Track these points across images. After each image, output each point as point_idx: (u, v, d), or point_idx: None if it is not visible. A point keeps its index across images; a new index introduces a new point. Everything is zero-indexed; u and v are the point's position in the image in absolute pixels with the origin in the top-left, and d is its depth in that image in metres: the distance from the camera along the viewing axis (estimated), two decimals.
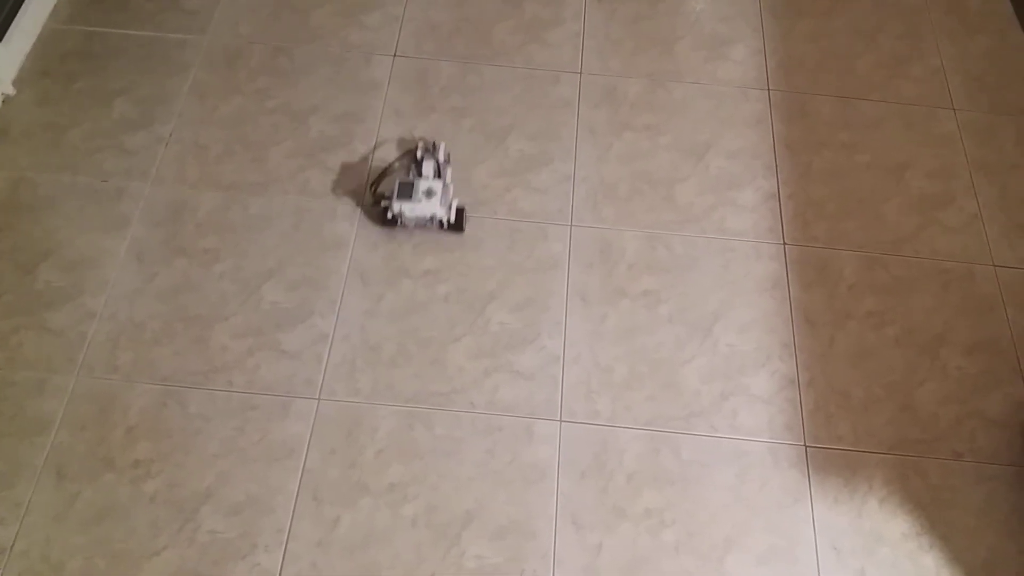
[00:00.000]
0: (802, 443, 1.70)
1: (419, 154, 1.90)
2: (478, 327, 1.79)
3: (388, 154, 2.00)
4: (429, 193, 1.83)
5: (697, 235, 1.93)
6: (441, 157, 1.91)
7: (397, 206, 1.82)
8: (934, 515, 1.64)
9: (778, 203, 1.99)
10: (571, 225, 1.93)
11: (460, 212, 1.87)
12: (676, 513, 1.61)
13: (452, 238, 1.89)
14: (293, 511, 1.57)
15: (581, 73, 2.18)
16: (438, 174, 1.89)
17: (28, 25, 2.11)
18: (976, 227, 1.98)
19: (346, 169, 1.93)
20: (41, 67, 2.09)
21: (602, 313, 1.82)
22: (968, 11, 2.37)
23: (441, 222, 1.85)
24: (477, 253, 1.88)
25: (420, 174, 1.88)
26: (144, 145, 1.98)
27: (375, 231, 1.89)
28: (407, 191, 1.83)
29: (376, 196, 1.90)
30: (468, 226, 1.91)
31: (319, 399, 1.69)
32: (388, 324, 1.78)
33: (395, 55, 2.18)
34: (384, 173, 1.95)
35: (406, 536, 1.56)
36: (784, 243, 1.93)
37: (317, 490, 1.59)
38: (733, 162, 2.05)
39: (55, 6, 2.20)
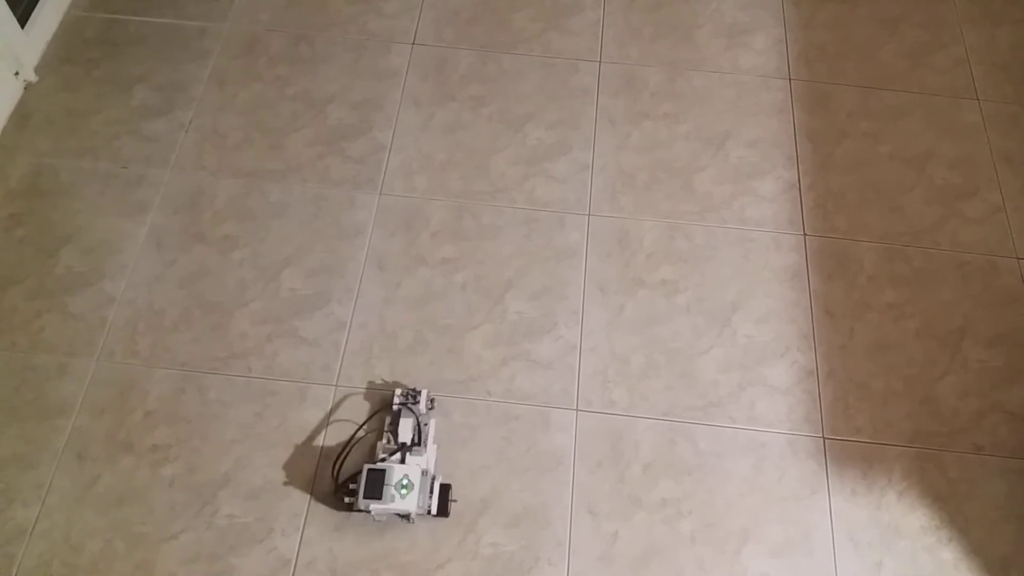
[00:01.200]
0: (820, 435, 1.69)
1: (395, 405, 1.60)
2: (496, 315, 1.78)
3: (356, 409, 1.67)
4: (404, 485, 1.48)
5: (716, 225, 1.92)
6: (423, 407, 1.60)
7: (364, 504, 1.47)
8: (953, 509, 1.62)
9: (798, 193, 1.97)
10: (589, 214, 1.93)
11: (445, 492, 1.54)
12: (692, 503, 1.60)
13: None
14: (310, 497, 1.58)
15: (600, 62, 2.17)
16: (418, 438, 1.56)
17: (50, 13, 2.12)
18: (999, 219, 1.96)
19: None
20: (63, 54, 2.11)
21: (620, 303, 1.81)
22: (992, 0, 2.34)
23: (420, 514, 1.53)
24: (495, 242, 1.88)
25: (396, 436, 1.56)
26: (164, 132, 1.99)
27: (393, 219, 1.89)
28: (376, 488, 1.47)
29: (339, 483, 1.55)
30: (486, 217, 1.90)
31: (336, 385, 1.69)
32: (406, 311, 1.78)
33: (414, 43, 2.18)
34: (349, 446, 1.60)
35: (423, 523, 1.56)
36: (804, 234, 1.92)
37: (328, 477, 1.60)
38: (753, 152, 2.03)
39: None
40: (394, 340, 1.75)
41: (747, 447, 1.66)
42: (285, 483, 1.59)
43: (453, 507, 1.57)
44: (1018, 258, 1.90)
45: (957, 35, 2.27)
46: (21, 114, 2.00)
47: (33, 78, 2.05)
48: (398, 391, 1.62)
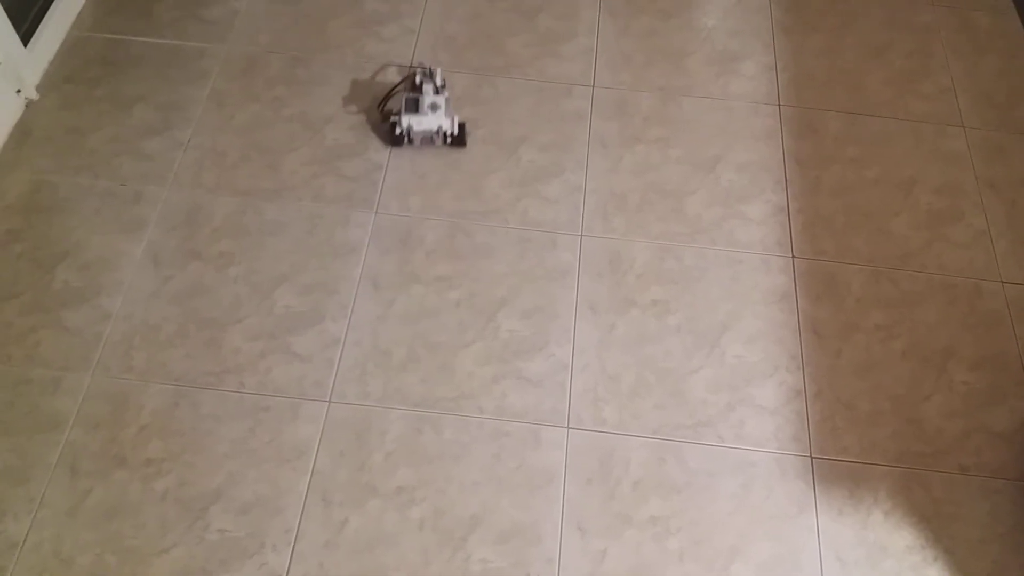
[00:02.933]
0: (808, 454, 1.70)
1: (418, 79, 2.07)
2: (488, 333, 1.81)
3: (389, 77, 2.18)
4: (434, 107, 1.99)
5: (706, 247, 1.95)
6: (439, 80, 2.06)
7: (406, 120, 1.98)
8: (938, 528, 1.64)
9: (787, 216, 2.01)
10: (581, 235, 1.95)
11: (462, 126, 2.03)
12: (681, 521, 1.62)
13: (466, 245, 1.91)
14: (302, 512, 1.59)
15: (593, 86, 2.21)
16: (438, 92, 2.04)
17: (53, 32, 2.15)
18: (984, 243, 1.99)
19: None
20: (64, 73, 2.14)
21: (611, 322, 1.84)
22: (978, 30, 2.40)
23: (445, 135, 2.01)
24: (488, 260, 1.90)
25: (422, 93, 2.04)
26: (162, 150, 2.02)
27: (388, 237, 1.92)
28: (413, 105, 2.00)
29: (384, 114, 2.06)
30: (480, 236, 1.93)
31: (330, 402, 1.71)
32: (399, 329, 1.80)
33: (411, 66, 2.21)
34: (390, 94, 2.09)
35: (413, 539, 1.57)
36: (793, 256, 1.95)
37: (326, 492, 1.61)
38: (743, 175, 2.07)
39: (79, 14, 2.25)
40: (387, 357, 1.76)
41: (736, 466, 1.68)
42: (277, 498, 1.60)
43: (443, 525, 1.58)
44: (1002, 282, 1.94)
45: (943, 64, 2.32)
46: (22, 131, 2.03)
47: (34, 96, 2.08)
48: (418, 70, 2.10)
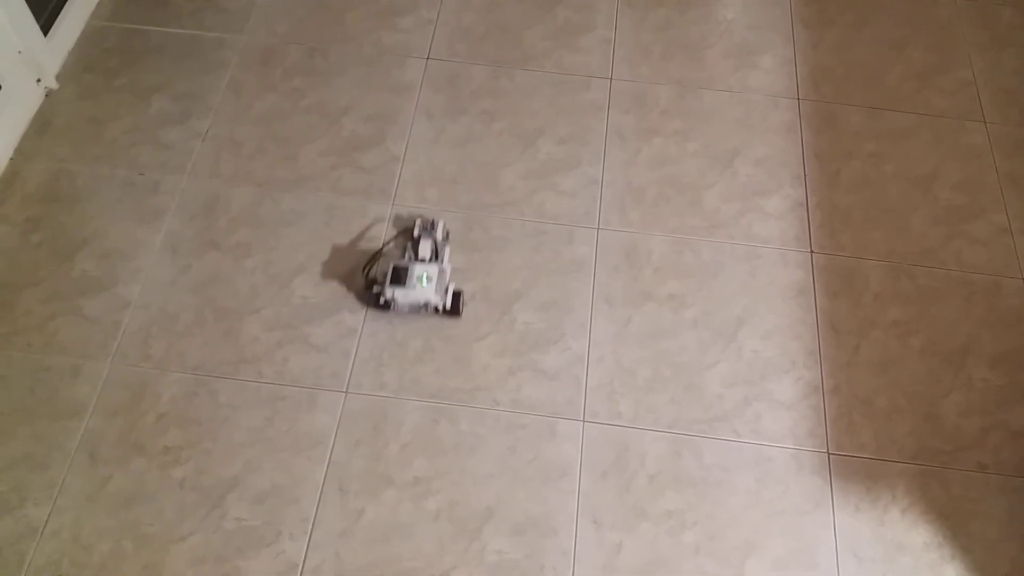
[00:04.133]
0: (825, 450, 1.70)
1: (416, 232, 1.82)
2: (503, 326, 1.81)
3: (383, 232, 1.92)
4: (424, 279, 1.74)
5: (724, 241, 1.94)
6: (439, 235, 1.82)
7: (390, 292, 1.73)
8: (956, 526, 1.63)
9: (806, 211, 2.00)
10: (598, 228, 1.95)
11: (457, 296, 1.78)
12: (697, 515, 1.61)
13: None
14: (318, 501, 1.60)
15: (611, 79, 2.20)
16: (436, 255, 1.79)
17: (72, 22, 2.16)
18: (1004, 240, 1.97)
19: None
20: (84, 63, 2.15)
21: (627, 315, 1.83)
22: (999, 24, 2.37)
23: (436, 308, 1.77)
24: (504, 253, 1.90)
25: (416, 255, 1.79)
26: (181, 140, 2.03)
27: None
28: (400, 276, 1.74)
29: (368, 280, 1.82)
30: (496, 229, 1.92)
31: (346, 392, 1.71)
32: (415, 321, 1.80)
33: (428, 57, 2.21)
34: (378, 254, 1.85)
35: (428, 529, 1.58)
36: (811, 251, 1.94)
37: (342, 481, 1.62)
38: (761, 169, 2.06)
39: (98, 4, 2.26)
40: (403, 348, 1.77)
41: (752, 461, 1.68)
42: (294, 487, 1.61)
43: (458, 516, 1.59)
44: (1023, 279, 1.92)
45: (964, 58, 2.30)
46: (41, 120, 2.04)
47: (54, 85, 2.09)
48: (418, 220, 1.84)
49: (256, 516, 1.58)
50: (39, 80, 2.05)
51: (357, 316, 1.80)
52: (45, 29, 2.06)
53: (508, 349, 1.78)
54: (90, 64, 2.15)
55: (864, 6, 2.39)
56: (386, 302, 1.77)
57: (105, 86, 2.11)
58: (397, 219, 1.92)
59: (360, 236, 1.90)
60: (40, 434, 1.63)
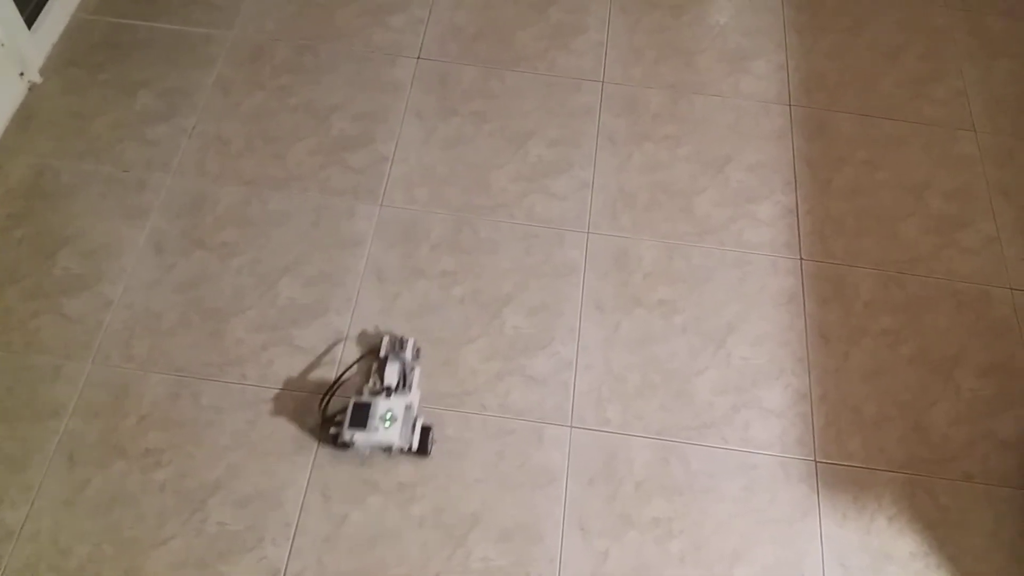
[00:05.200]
0: (812, 458, 1.69)
1: (383, 352, 1.67)
2: (492, 330, 1.79)
3: (348, 353, 1.74)
4: (388, 419, 1.55)
5: (714, 247, 1.93)
6: (408, 355, 1.66)
7: (349, 434, 1.55)
8: (943, 535, 1.63)
9: (796, 218, 1.99)
10: (588, 232, 1.94)
11: (425, 433, 1.60)
12: (684, 523, 1.60)
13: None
14: (301, 506, 1.57)
15: (603, 82, 2.19)
16: (404, 381, 1.63)
17: (57, 15, 2.13)
18: (994, 249, 1.97)
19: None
20: (68, 56, 2.11)
21: (616, 321, 1.82)
22: (991, 34, 2.37)
23: (402, 449, 1.59)
24: (494, 256, 1.88)
25: (382, 379, 1.62)
26: (167, 137, 2.00)
27: (393, 230, 1.90)
28: (361, 417, 1.55)
29: (325, 417, 1.63)
30: (485, 231, 1.91)
31: (330, 395, 1.69)
32: (403, 323, 1.78)
33: (419, 57, 2.19)
34: (336, 385, 1.65)
35: (413, 535, 1.56)
36: (801, 258, 1.93)
37: (325, 486, 1.59)
38: (752, 176, 2.05)
39: None
40: None
41: (739, 468, 1.67)
42: (276, 492, 1.58)
43: (444, 522, 1.57)
44: (1012, 289, 1.92)
45: (956, 67, 2.30)
46: (24, 115, 2.00)
47: (38, 79, 2.05)
48: (386, 338, 1.69)
49: (238, 521, 1.56)
50: (22, 74, 2.02)
51: (344, 318, 1.78)
52: (29, 22, 2.03)
53: (497, 353, 1.76)
54: (75, 58, 2.11)
55: (857, 13, 2.39)
56: (343, 444, 1.59)
57: (90, 81, 2.08)
58: (362, 336, 1.75)
59: (322, 356, 1.72)
60: (18, 435, 1.60)
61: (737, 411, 1.73)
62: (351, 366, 1.70)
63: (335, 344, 1.74)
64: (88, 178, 1.92)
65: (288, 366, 1.71)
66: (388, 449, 1.59)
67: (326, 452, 1.62)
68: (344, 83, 2.12)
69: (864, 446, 1.71)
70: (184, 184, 1.93)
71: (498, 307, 1.82)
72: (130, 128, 2.01)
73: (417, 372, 1.67)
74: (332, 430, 1.59)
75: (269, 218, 1.90)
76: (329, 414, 1.63)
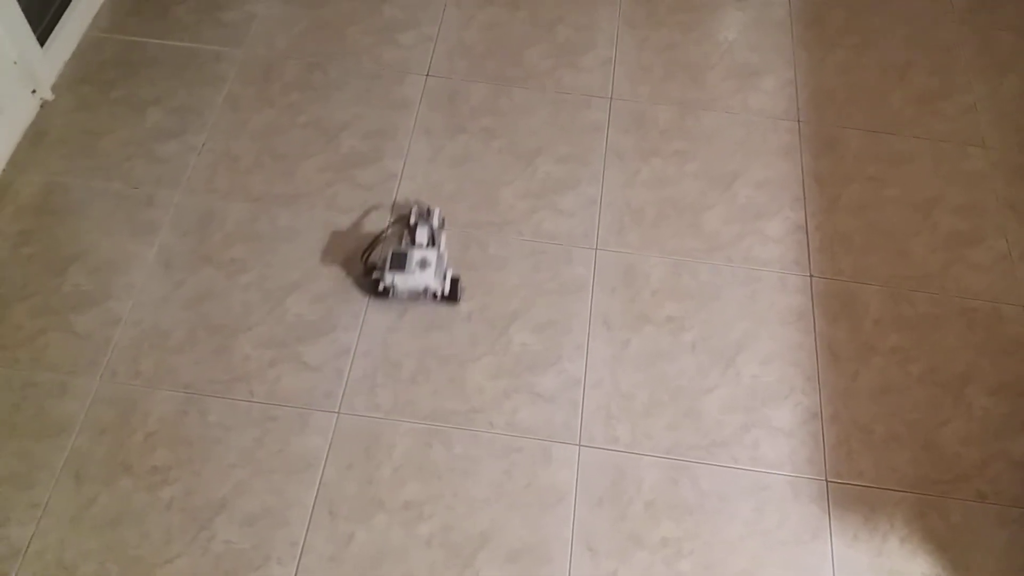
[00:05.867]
0: (823, 478, 1.68)
1: (413, 220, 1.84)
2: (500, 347, 1.78)
3: (381, 220, 1.93)
4: (423, 264, 1.75)
5: (723, 264, 1.92)
6: (436, 223, 1.84)
7: (389, 277, 1.74)
8: (955, 557, 1.61)
9: (805, 235, 1.98)
10: (596, 249, 1.93)
11: (455, 283, 1.79)
12: (693, 544, 1.59)
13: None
14: (308, 525, 1.57)
15: (611, 98, 2.19)
16: (432, 242, 1.81)
17: (69, 33, 2.14)
18: (1005, 266, 1.96)
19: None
20: (80, 74, 2.13)
21: (625, 338, 1.81)
22: (1001, 50, 2.37)
23: (435, 294, 1.78)
24: (501, 273, 1.88)
25: (413, 241, 1.81)
26: (176, 154, 2.01)
27: None
28: (400, 262, 1.75)
29: (367, 266, 1.82)
30: (493, 248, 1.91)
31: (339, 413, 1.69)
32: (409, 340, 1.78)
33: (427, 74, 2.20)
34: (376, 241, 1.86)
35: (420, 555, 1.55)
36: (810, 275, 1.92)
37: (333, 504, 1.59)
38: (761, 192, 2.04)
39: (96, 15, 2.24)
40: (397, 368, 1.74)
41: (749, 488, 1.65)
42: (283, 510, 1.58)
43: (451, 541, 1.56)
44: (1023, 306, 1.91)
45: (965, 83, 2.29)
46: (36, 131, 2.02)
47: (49, 96, 2.07)
48: (414, 207, 1.89)
49: (244, 539, 1.55)
50: (34, 91, 2.03)
51: (351, 335, 1.78)
52: (42, 39, 2.04)
53: (504, 371, 1.76)
54: (86, 75, 2.13)
55: (866, 30, 2.39)
56: (385, 289, 1.77)
57: (101, 98, 2.09)
58: (394, 207, 1.95)
59: (358, 223, 1.92)
60: (25, 452, 1.60)
61: (747, 430, 1.72)
62: (385, 229, 1.89)
63: (371, 211, 1.94)
64: (98, 195, 1.93)
65: (295, 383, 1.71)
66: (423, 293, 1.77)
67: (332, 470, 1.62)
68: (353, 100, 2.13)
69: (875, 465, 1.69)
70: (193, 201, 1.94)
71: (505, 324, 1.81)
72: (140, 145, 2.02)
73: (444, 237, 1.86)
74: (374, 275, 1.79)
75: (277, 235, 1.90)
76: (370, 265, 1.82)
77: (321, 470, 1.62)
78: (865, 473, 1.69)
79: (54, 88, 2.09)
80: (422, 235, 1.81)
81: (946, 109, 2.24)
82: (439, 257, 1.78)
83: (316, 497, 1.59)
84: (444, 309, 1.82)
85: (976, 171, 2.12)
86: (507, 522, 1.59)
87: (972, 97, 2.26)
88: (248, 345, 1.75)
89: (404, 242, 1.84)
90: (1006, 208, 2.06)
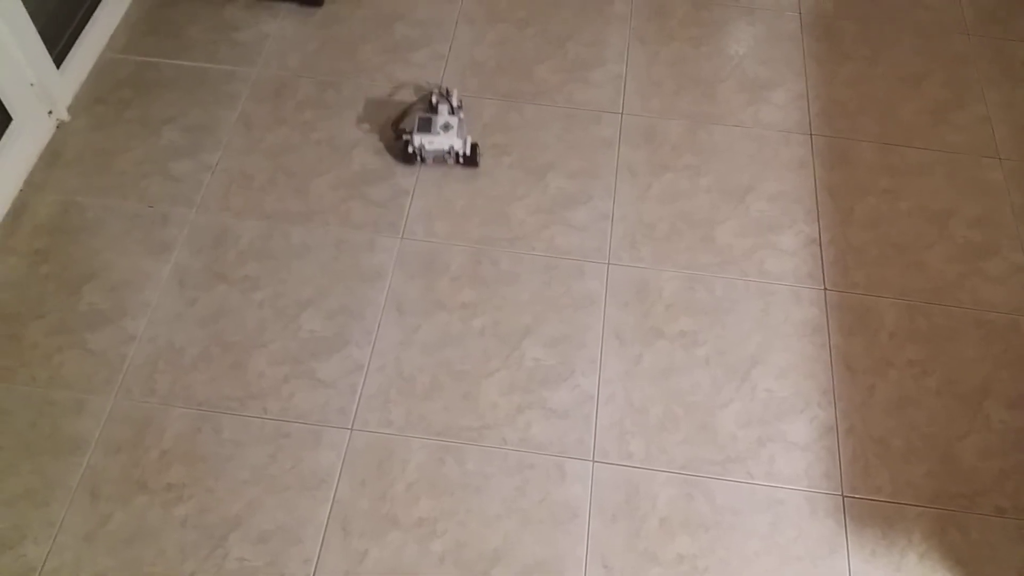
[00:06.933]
0: (840, 493, 1.66)
1: (434, 100, 2.06)
2: (512, 362, 1.78)
3: (406, 97, 2.18)
4: (446, 127, 1.99)
5: (736, 277, 1.92)
6: (455, 101, 2.05)
7: (418, 139, 1.98)
8: (974, 573, 1.59)
9: (819, 248, 1.97)
10: (608, 263, 1.93)
11: (474, 147, 2.02)
12: (709, 560, 1.58)
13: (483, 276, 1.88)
14: (322, 542, 1.57)
15: (622, 113, 2.19)
16: (452, 112, 2.04)
17: (85, 54, 2.17)
18: (1021, 278, 1.94)
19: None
20: (96, 95, 2.15)
21: (638, 353, 1.81)
22: (1014, 60, 2.36)
23: (458, 155, 2.01)
24: (513, 288, 1.88)
25: (436, 113, 2.04)
26: (191, 172, 2.03)
27: (413, 263, 1.91)
28: (426, 125, 2.00)
29: (398, 131, 2.08)
30: (505, 263, 1.91)
31: (352, 429, 1.69)
32: (423, 356, 1.78)
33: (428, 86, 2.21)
34: (404, 112, 2.12)
35: (433, 572, 1.54)
36: (825, 288, 1.91)
37: (346, 521, 1.59)
38: (774, 205, 2.04)
39: (111, 36, 2.27)
40: (411, 384, 1.74)
41: (765, 504, 1.64)
42: (297, 527, 1.58)
43: (465, 558, 1.55)
44: None
45: (979, 94, 2.28)
46: (52, 152, 2.04)
47: (66, 117, 2.09)
48: (435, 89, 2.13)
49: (259, 556, 1.55)
50: (51, 112, 2.06)
51: (364, 351, 1.78)
52: (58, 61, 2.07)
53: (517, 386, 1.75)
54: (102, 96, 2.15)
55: (877, 42, 2.39)
56: (414, 152, 2.01)
57: (116, 118, 2.11)
58: (417, 87, 2.20)
59: (389, 96, 2.17)
60: (42, 470, 1.61)
61: (762, 445, 1.70)
62: (410, 105, 2.14)
63: (398, 88, 2.17)
64: (113, 214, 1.95)
65: (309, 399, 1.71)
66: (447, 153, 2.00)
67: (345, 487, 1.62)
68: (365, 118, 2.15)
69: (892, 480, 1.68)
70: (207, 219, 1.95)
71: (518, 339, 1.81)
72: (155, 164, 2.04)
73: (462, 114, 2.06)
74: (404, 137, 2.02)
75: (291, 252, 1.91)
76: (400, 130, 2.07)
77: (335, 487, 1.62)
78: (882, 488, 1.67)
79: (70, 109, 2.12)
80: (443, 109, 2.04)
81: (960, 120, 2.23)
82: (460, 121, 2.02)
83: (330, 514, 1.59)
84: (457, 324, 1.82)
85: (991, 182, 2.11)
86: (520, 539, 1.58)
87: (985, 108, 2.25)
88: (262, 362, 1.76)
89: (428, 112, 2.06)
90: (1022, 219, 2.04)
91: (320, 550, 1.56)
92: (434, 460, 1.66)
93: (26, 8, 1.91)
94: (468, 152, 2.01)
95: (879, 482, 1.67)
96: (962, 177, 2.11)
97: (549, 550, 1.57)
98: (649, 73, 2.28)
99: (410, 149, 2.01)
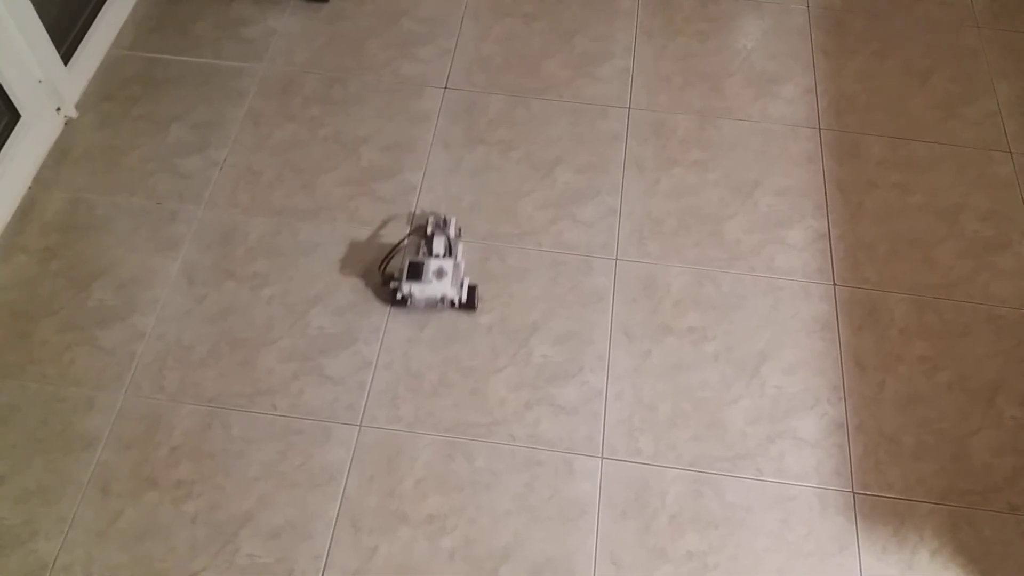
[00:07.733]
0: (850, 489, 1.65)
1: (429, 230, 1.86)
2: (520, 358, 1.78)
3: (398, 231, 1.94)
4: (440, 273, 1.77)
5: (745, 273, 1.91)
6: (452, 232, 1.86)
7: (407, 287, 1.77)
8: (987, 570, 1.58)
9: (828, 243, 1.96)
10: (616, 259, 1.93)
11: (472, 291, 1.80)
12: (719, 557, 1.57)
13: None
14: (331, 538, 1.57)
15: (630, 108, 2.19)
16: (449, 251, 1.83)
17: (93, 51, 2.17)
18: None
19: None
20: (103, 92, 2.15)
21: (646, 349, 1.80)
22: (1023, 54, 2.34)
23: (452, 302, 1.80)
24: (521, 284, 1.88)
25: (431, 252, 1.83)
26: (199, 169, 2.03)
27: None
28: (417, 272, 1.78)
29: (385, 276, 1.85)
30: (513, 259, 1.91)
31: (360, 426, 1.69)
32: (431, 352, 1.78)
33: (446, 87, 2.21)
34: (393, 251, 1.87)
35: (443, 569, 1.54)
36: (834, 284, 1.90)
37: (356, 518, 1.59)
38: (782, 200, 2.03)
39: (119, 33, 2.27)
40: (419, 381, 1.74)
41: (775, 501, 1.63)
42: (307, 523, 1.58)
43: (474, 555, 1.55)
44: None
45: (988, 87, 2.26)
46: (60, 149, 2.04)
47: (74, 114, 2.10)
48: (431, 217, 1.89)
49: (269, 552, 1.55)
50: (59, 109, 2.06)
51: (372, 347, 1.78)
52: (66, 58, 2.07)
53: (525, 383, 1.75)
54: (110, 93, 2.15)
55: (886, 35, 2.37)
56: (403, 298, 1.79)
57: (124, 115, 2.11)
58: (413, 218, 1.97)
59: (376, 234, 1.93)
60: (52, 466, 1.62)
61: (772, 441, 1.70)
62: (402, 240, 1.90)
63: (388, 221, 1.95)
64: (122, 211, 1.95)
65: (318, 395, 1.71)
66: (440, 301, 1.79)
67: (355, 483, 1.62)
68: (373, 114, 2.14)
69: (903, 477, 1.67)
70: (215, 216, 1.95)
71: (526, 335, 1.81)
72: (163, 161, 2.04)
73: (460, 246, 1.87)
74: (392, 284, 1.80)
75: (299, 248, 1.91)
76: (387, 275, 1.85)
77: (344, 483, 1.62)
78: (893, 484, 1.66)
79: (78, 106, 2.12)
80: (439, 245, 1.83)
81: (969, 114, 2.21)
82: (455, 266, 1.80)
83: (339, 510, 1.60)
84: (465, 320, 1.82)
85: (1001, 176, 2.09)
86: (530, 535, 1.58)
87: (995, 102, 2.24)
88: (271, 359, 1.76)
89: (421, 252, 1.85)
90: None
91: (330, 546, 1.56)
92: (443, 456, 1.66)
93: (34, 5, 1.91)
94: (464, 299, 1.80)
95: (890, 479, 1.67)
96: (972, 171, 2.10)
97: (558, 547, 1.57)
98: (656, 68, 2.27)
99: (398, 296, 1.79)
